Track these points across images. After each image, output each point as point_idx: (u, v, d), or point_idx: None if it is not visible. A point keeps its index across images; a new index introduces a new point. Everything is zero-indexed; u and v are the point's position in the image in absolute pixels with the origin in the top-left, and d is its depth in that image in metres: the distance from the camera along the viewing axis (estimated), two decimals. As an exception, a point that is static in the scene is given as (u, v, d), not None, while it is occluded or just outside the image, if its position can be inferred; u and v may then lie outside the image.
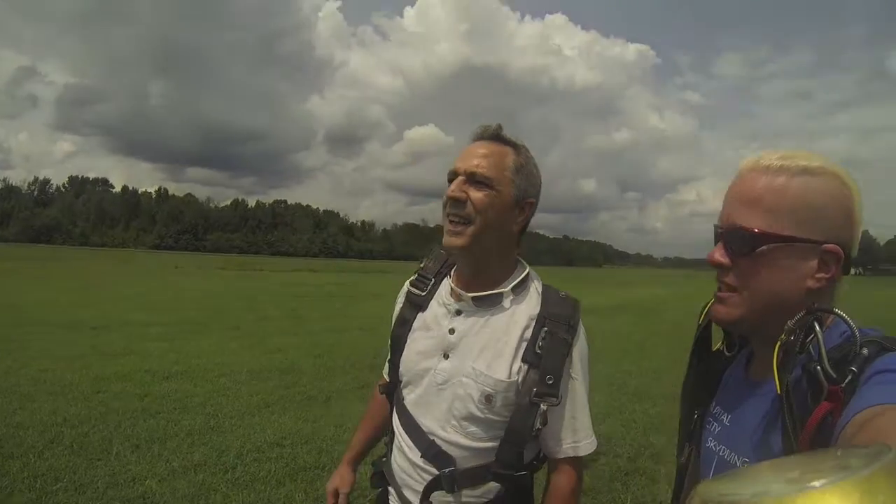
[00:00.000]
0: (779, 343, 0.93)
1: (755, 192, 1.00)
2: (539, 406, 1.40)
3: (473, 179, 1.44)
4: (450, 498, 1.48)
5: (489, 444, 1.46)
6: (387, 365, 1.75)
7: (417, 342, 1.57)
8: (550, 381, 1.41)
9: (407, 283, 1.69)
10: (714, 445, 1.12)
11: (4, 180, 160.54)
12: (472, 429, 1.45)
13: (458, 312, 1.52)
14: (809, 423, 0.83)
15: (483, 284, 1.51)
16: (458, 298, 1.53)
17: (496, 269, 1.52)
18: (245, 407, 6.38)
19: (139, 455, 4.73)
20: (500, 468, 1.45)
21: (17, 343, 9.17)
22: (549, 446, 1.50)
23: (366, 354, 9.58)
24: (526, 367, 1.43)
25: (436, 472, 1.48)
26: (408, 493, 1.55)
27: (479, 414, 1.44)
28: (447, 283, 1.60)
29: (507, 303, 1.50)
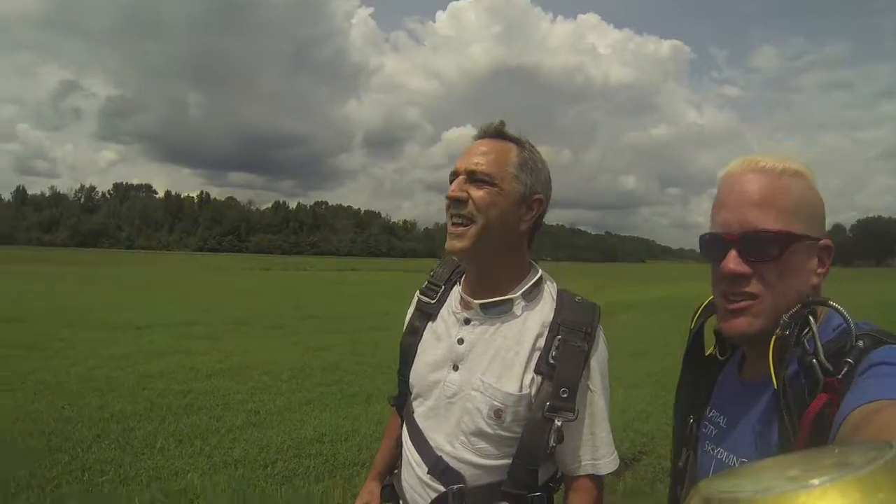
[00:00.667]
0: (774, 338, 0.93)
1: (764, 193, 0.97)
2: (553, 422, 1.29)
3: (474, 178, 1.37)
4: None
5: (500, 462, 1.36)
6: (396, 377, 1.66)
7: (427, 353, 1.49)
8: (565, 395, 1.30)
9: (417, 291, 1.61)
10: (711, 449, 1.11)
11: (52, 188, 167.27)
12: (482, 445, 1.36)
13: (467, 321, 1.43)
14: (806, 416, 0.82)
15: (492, 290, 1.42)
16: (467, 307, 1.45)
17: (505, 273, 1.43)
18: (286, 404, 6.43)
19: (182, 450, 4.82)
20: (511, 487, 1.34)
21: (65, 343, 9.48)
22: (566, 464, 1.38)
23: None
24: (539, 378, 1.33)
25: (443, 489, 1.38)
26: None
27: (488, 430, 1.34)
28: (457, 291, 1.52)
29: (518, 309, 1.40)
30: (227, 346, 9.87)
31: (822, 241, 1.00)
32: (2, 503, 3.74)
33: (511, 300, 1.40)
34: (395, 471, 1.61)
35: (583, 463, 1.37)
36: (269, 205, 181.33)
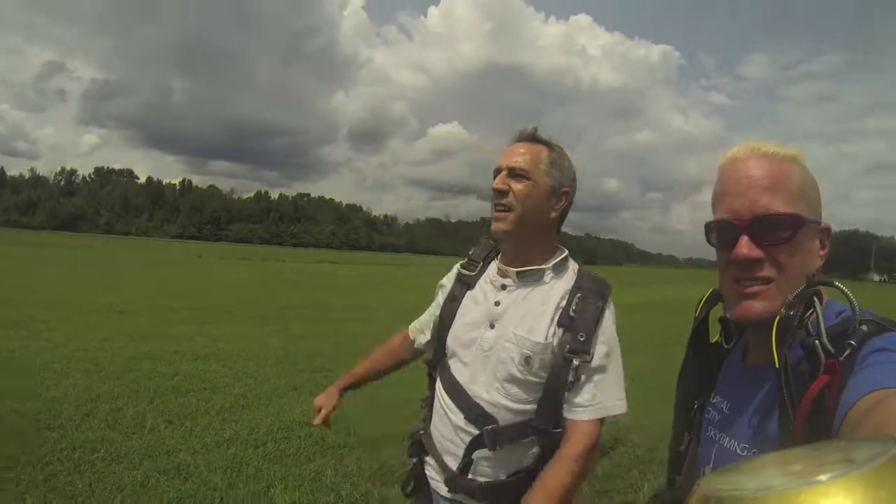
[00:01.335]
0: (777, 318, 0.93)
1: (772, 178, 0.99)
2: (572, 361, 1.53)
3: (514, 173, 1.65)
4: (490, 456, 1.60)
5: (529, 406, 1.59)
6: (423, 335, 1.97)
7: (466, 315, 1.73)
8: (582, 339, 1.54)
9: (457, 265, 1.87)
10: (714, 434, 1.12)
11: (32, 170, 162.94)
12: (514, 390, 1.59)
13: (504, 287, 1.69)
14: (806, 397, 0.83)
15: (526, 263, 1.68)
16: (504, 275, 1.70)
17: (537, 251, 1.69)
18: (273, 389, 6.48)
19: (172, 430, 4.85)
20: (539, 423, 1.57)
21: (47, 325, 9.37)
22: (575, 403, 1.57)
23: (389, 342, 9.67)
24: (561, 330, 1.57)
25: (478, 432, 1.60)
26: (448, 459, 1.67)
27: (519, 375, 1.58)
28: (494, 265, 1.77)
29: (547, 278, 1.67)
30: (211, 332, 9.86)
31: (822, 224, 1.02)
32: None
33: (542, 270, 1.67)
34: (421, 431, 1.83)
35: (590, 405, 1.57)
36: (252, 194, 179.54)
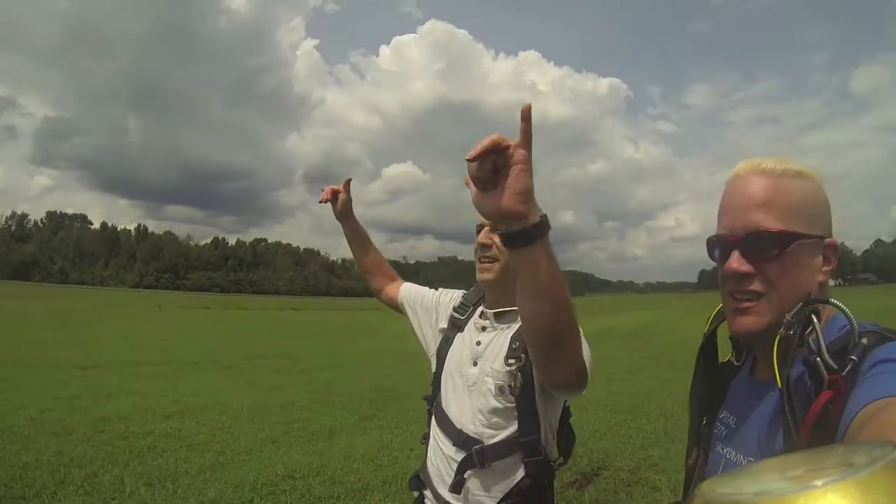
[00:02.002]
0: (778, 337, 0.95)
1: (766, 195, 1.02)
2: (512, 367, 1.68)
3: (496, 228, 1.71)
4: (481, 476, 1.71)
5: (511, 430, 1.71)
6: (405, 298, 2.19)
7: (455, 354, 1.90)
8: (515, 346, 1.69)
9: (451, 308, 2.02)
10: (721, 449, 1.14)
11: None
12: (495, 419, 1.72)
13: (484, 329, 1.86)
14: (810, 413, 0.84)
15: (507, 306, 1.82)
16: (485, 318, 1.87)
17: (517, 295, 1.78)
18: (252, 443, 6.39)
19: (153, 493, 4.72)
20: (523, 436, 1.69)
21: (8, 383, 9.07)
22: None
23: (362, 389, 9.64)
24: (514, 352, 1.71)
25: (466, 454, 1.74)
26: (442, 489, 1.79)
27: (499, 405, 1.71)
28: (480, 309, 1.93)
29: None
30: (179, 387, 9.69)
31: (826, 240, 1.03)
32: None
33: (516, 310, 1.72)
34: (419, 470, 1.97)
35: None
36: (209, 240, 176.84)
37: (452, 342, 1.94)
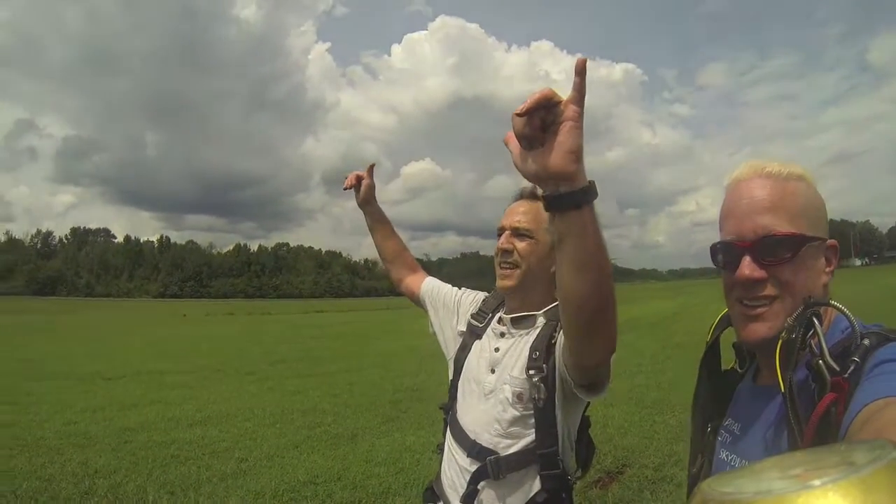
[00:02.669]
0: (780, 341, 0.95)
1: (774, 198, 1.02)
2: (533, 378, 1.61)
3: (517, 233, 1.77)
4: (495, 488, 1.65)
5: (527, 441, 1.65)
6: (426, 293, 2.17)
7: (472, 361, 1.85)
8: (535, 357, 1.64)
9: (468, 315, 1.98)
10: (726, 455, 1.13)
11: (7, 233, 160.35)
12: (513, 429, 1.67)
13: (503, 335, 1.81)
14: (814, 416, 0.83)
15: (525, 311, 1.78)
16: (503, 324, 1.82)
17: (538, 301, 1.78)
18: (273, 449, 6.38)
19: (175, 502, 4.74)
20: (539, 448, 1.63)
21: (35, 397, 9.23)
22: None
23: (385, 391, 9.62)
24: (532, 359, 1.67)
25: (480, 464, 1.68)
26: (454, 500, 1.73)
27: (517, 413, 1.66)
28: (498, 315, 1.89)
29: (539, 323, 1.75)
30: (202, 395, 9.73)
31: (828, 242, 1.05)
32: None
33: (535, 315, 1.76)
34: (433, 481, 1.92)
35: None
36: (231, 247, 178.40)
37: (470, 350, 1.90)
